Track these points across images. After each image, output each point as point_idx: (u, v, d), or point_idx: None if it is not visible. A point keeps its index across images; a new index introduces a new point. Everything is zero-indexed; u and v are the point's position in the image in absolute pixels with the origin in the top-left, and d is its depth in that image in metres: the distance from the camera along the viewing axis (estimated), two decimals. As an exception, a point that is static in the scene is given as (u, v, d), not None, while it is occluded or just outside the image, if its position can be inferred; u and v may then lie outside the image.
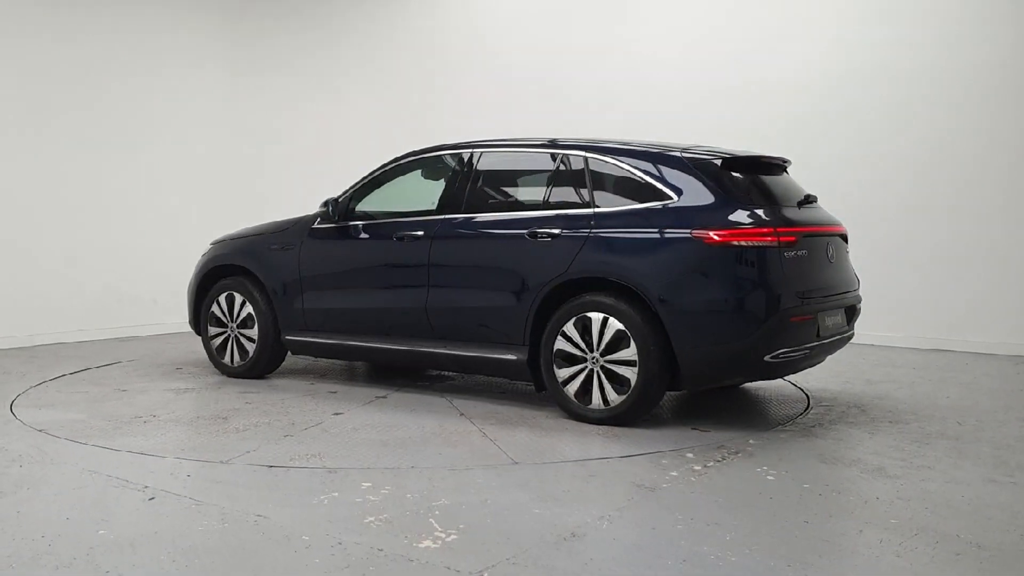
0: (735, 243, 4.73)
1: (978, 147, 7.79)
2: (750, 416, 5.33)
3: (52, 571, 2.99)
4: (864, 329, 8.12)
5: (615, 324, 4.91)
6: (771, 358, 4.81)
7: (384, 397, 5.86)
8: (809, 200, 5.37)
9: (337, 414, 5.35)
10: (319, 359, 7.04)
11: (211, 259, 6.69)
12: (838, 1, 8.37)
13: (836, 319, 5.31)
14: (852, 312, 5.57)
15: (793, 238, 4.90)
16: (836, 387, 6.21)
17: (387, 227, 5.92)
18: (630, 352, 4.86)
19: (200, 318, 6.67)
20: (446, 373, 6.65)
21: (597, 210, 5.15)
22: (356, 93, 10.30)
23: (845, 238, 5.60)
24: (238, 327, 6.43)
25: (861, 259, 8.00)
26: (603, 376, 4.98)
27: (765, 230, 4.77)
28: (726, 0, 8.77)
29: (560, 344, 5.11)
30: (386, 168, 6.14)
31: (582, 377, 5.05)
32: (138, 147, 9.11)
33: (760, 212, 4.87)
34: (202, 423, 5.15)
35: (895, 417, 5.32)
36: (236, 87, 10.18)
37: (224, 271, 6.62)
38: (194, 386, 6.22)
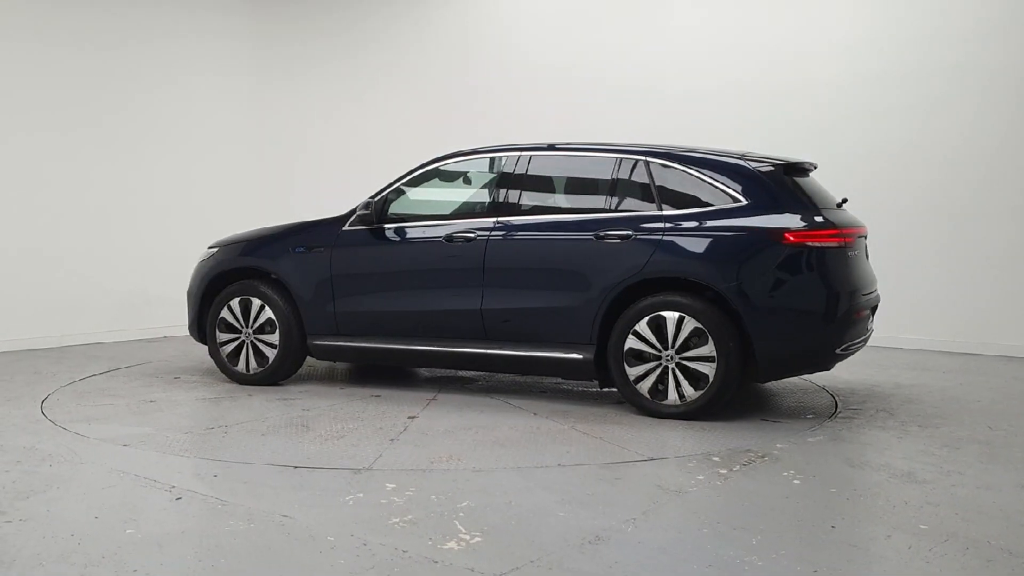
0: (810, 244, 5.04)
1: (1010, 146, 7.69)
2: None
3: (81, 569, 3.02)
4: (894, 332, 8.07)
5: (691, 322, 5.07)
6: (840, 351, 5.19)
7: (435, 399, 5.85)
8: (845, 202, 5.64)
9: (412, 417, 5.30)
10: (319, 363, 6.93)
11: (220, 263, 6.40)
12: (856, 2, 8.31)
13: (870, 315, 5.61)
14: (874, 310, 5.77)
15: (851, 239, 5.28)
16: (864, 390, 6.15)
17: (434, 228, 5.86)
18: (707, 349, 5.04)
19: (205, 324, 6.38)
20: (463, 373, 6.66)
21: (668, 212, 5.29)
22: (382, 97, 10.32)
23: (866, 238, 5.77)
24: (254, 332, 6.18)
25: (892, 261, 7.95)
26: (678, 373, 5.12)
27: (833, 231, 5.11)
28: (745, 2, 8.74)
29: (632, 343, 5.22)
30: (425, 169, 6.09)
31: (656, 374, 5.18)
32: (166, 151, 9.20)
33: (824, 214, 5.20)
34: (287, 432, 4.94)
35: (924, 421, 5.25)
36: (263, 91, 10.25)
37: (233, 275, 6.37)
38: (217, 394, 5.99)
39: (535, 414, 5.40)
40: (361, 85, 10.40)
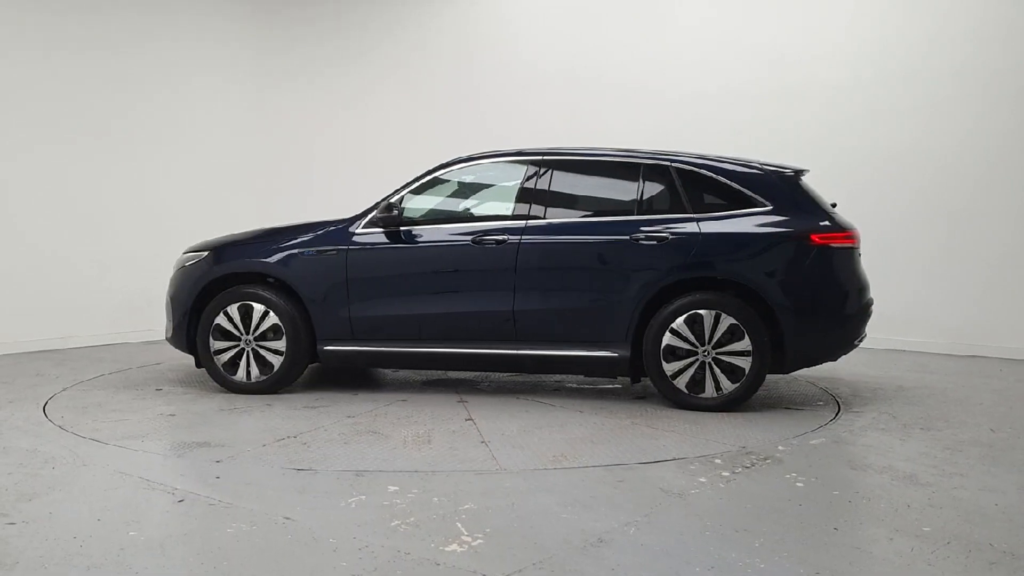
0: (833, 245, 5.45)
1: (1011, 147, 7.69)
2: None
3: (84, 571, 3.02)
4: (896, 334, 8.07)
5: (728, 319, 5.37)
6: (856, 341, 5.65)
7: (464, 401, 5.84)
8: (835, 205, 5.85)
9: (469, 420, 5.31)
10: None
11: (218, 267, 6.08)
12: (857, 5, 8.32)
13: None
14: None
15: (858, 240, 5.66)
16: (867, 393, 6.15)
17: (460, 230, 5.82)
18: (743, 344, 5.36)
19: (195, 332, 6.07)
20: (457, 375, 6.66)
21: (701, 216, 5.54)
22: (386, 99, 10.34)
23: None
24: (256, 339, 5.94)
25: (894, 263, 7.95)
26: (715, 367, 5.43)
27: (848, 232, 5.54)
28: (741, 6, 8.75)
29: (668, 340, 5.46)
30: (444, 171, 6.03)
31: (693, 369, 5.45)
32: (169, 153, 9.23)
33: (836, 217, 5.58)
34: (368, 439, 4.81)
35: (927, 424, 5.25)
36: (267, 96, 10.27)
37: (227, 280, 6.09)
38: (233, 404, 5.72)
39: (581, 412, 5.53)
40: (365, 88, 10.42)
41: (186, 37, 9.42)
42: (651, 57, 9.12)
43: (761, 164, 5.72)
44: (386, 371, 6.95)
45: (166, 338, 6.38)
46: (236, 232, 6.48)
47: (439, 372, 6.85)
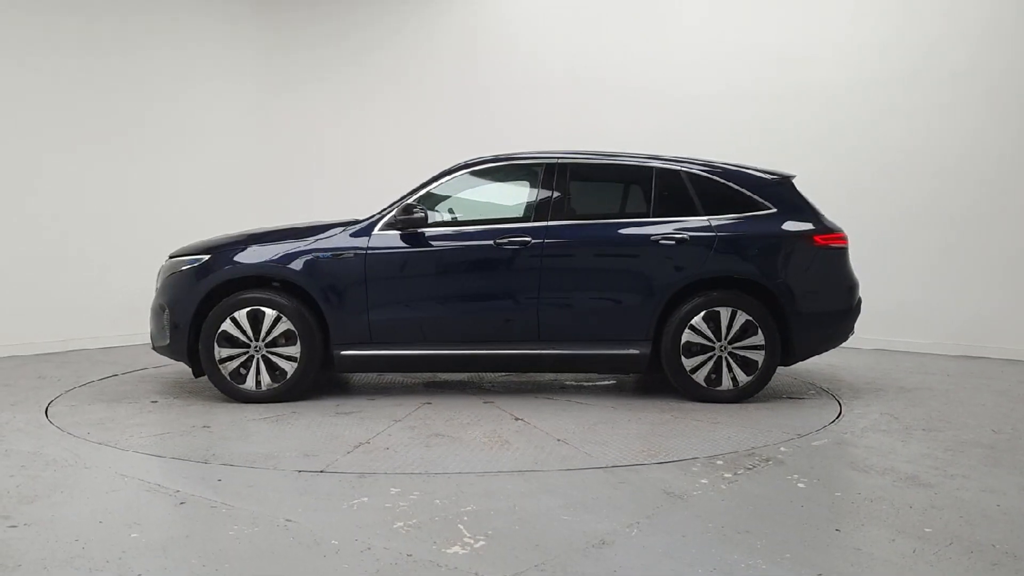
0: (833, 245, 5.86)
1: (1014, 149, 7.69)
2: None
3: (86, 573, 3.02)
4: (898, 335, 8.07)
5: (743, 315, 5.71)
6: (852, 334, 6.07)
7: (491, 403, 5.85)
8: None
9: (518, 419, 5.32)
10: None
11: (224, 271, 5.77)
12: (859, 6, 8.32)
13: None
14: None
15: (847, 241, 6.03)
16: (869, 394, 6.15)
17: (481, 232, 5.82)
18: (756, 339, 5.72)
19: (195, 339, 5.81)
20: (459, 377, 6.65)
21: (715, 218, 5.83)
22: (390, 103, 10.35)
23: None
24: (266, 346, 5.74)
25: (896, 263, 7.95)
26: (731, 361, 5.75)
27: (841, 234, 5.94)
28: (748, 9, 8.75)
29: (688, 336, 5.74)
30: (460, 173, 6.02)
31: (710, 364, 5.76)
32: (172, 157, 9.24)
33: (831, 219, 5.99)
34: (445, 443, 4.75)
35: (928, 425, 5.25)
36: (270, 99, 10.28)
37: (230, 285, 5.82)
38: (261, 415, 5.43)
39: (614, 408, 5.69)
40: (370, 90, 10.44)
41: (190, 41, 9.42)
42: (652, 58, 9.12)
43: (766, 170, 6.05)
44: (372, 375, 6.92)
45: (153, 347, 6.08)
46: (225, 235, 6.20)
47: (430, 374, 6.83)
